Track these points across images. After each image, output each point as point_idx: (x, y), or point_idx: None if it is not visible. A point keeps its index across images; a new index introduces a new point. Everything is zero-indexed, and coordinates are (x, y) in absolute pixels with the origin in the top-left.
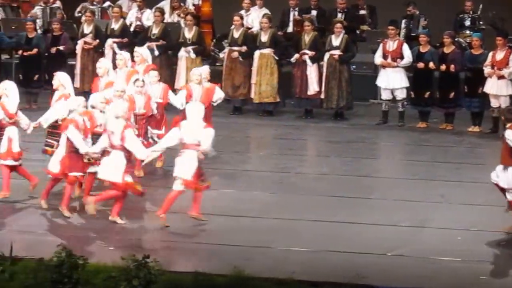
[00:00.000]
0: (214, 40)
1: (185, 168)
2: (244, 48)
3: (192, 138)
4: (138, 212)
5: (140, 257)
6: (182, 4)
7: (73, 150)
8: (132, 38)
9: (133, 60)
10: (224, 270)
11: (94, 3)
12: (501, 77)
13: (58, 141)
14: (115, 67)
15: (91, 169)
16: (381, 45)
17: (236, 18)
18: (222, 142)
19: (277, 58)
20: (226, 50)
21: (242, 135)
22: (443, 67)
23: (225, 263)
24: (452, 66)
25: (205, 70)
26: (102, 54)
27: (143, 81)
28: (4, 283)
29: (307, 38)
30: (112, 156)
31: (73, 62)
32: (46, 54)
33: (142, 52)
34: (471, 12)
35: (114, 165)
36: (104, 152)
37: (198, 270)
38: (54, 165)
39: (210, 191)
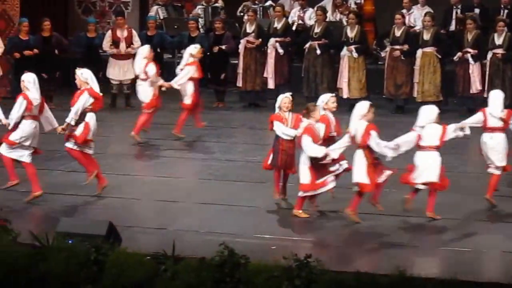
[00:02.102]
0: (376, 39)
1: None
2: (405, 47)
3: (431, 140)
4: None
5: (301, 256)
6: (344, 3)
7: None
8: (295, 37)
9: None
10: (386, 270)
11: (256, 2)
12: None
13: None
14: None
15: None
16: None
17: (397, 16)
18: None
19: (440, 56)
20: (388, 49)
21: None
22: None
23: (388, 263)
24: None
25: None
26: (264, 54)
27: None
28: (167, 282)
29: (469, 36)
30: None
31: (236, 61)
32: (208, 53)
33: None
34: None
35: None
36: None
37: (360, 270)
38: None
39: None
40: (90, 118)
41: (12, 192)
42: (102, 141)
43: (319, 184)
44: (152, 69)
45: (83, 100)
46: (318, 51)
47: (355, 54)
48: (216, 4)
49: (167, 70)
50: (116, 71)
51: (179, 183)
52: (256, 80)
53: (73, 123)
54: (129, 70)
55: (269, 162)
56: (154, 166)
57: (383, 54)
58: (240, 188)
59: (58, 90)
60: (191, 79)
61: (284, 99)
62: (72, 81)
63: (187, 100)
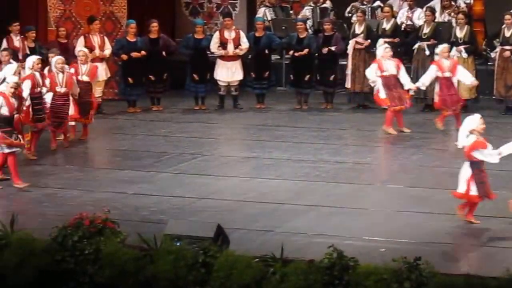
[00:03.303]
0: (486, 40)
1: None
2: None
3: None
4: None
5: (411, 259)
6: (453, 3)
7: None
8: (403, 37)
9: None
10: (496, 272)
11: (364, 2)
12: None
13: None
14: None
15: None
16: None
17: (507, 16)
18: (494, 143)
19: None
20: (498, 49)
21: None
22: None
23: (498, 265)
24: None
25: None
26: (373, 55)
27: None
28: (275, 284)
29: None
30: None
31: (344, 62)
32: (317, 54)
33: None
34: None
35: None
36: None
37: (470, 272)
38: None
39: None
40: None
41: (120, 194)
42: (209, 143)
43: None
44: (369, 69)
45: None
46: (427, 52)
47: (464, 55)
48: (325, 5)
49: (274, 71)
50: (224, 73)
51: (288, 185)
52: (365, 81)
53: None
54: (237, 72)
55: (472, 192)
56: (262, 167)
57: (493, 54)
58: (348, 190)
59: (166, 92)
60: (437, 78)
61: (479, 120)
62: (180, 83)
63: (436, 98)
